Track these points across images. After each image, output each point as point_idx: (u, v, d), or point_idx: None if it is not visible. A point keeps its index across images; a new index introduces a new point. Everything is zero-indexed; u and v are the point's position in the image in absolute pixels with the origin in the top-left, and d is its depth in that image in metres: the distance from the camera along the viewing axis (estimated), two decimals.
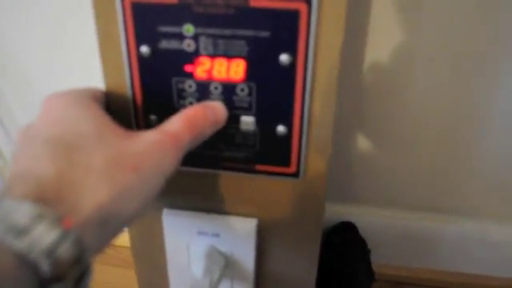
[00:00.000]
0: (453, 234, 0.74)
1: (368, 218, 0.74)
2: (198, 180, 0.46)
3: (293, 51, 0.37)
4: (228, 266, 0.50)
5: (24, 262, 0.24)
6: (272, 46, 0.37)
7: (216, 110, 0.39)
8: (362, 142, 0.68)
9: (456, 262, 0.77)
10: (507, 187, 0.69)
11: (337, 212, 0.74)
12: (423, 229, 0.74)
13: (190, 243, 0.50)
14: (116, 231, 0.32)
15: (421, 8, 0.54)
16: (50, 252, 0.24)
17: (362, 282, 0.69)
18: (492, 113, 0.61)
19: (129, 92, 0.41)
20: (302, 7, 0.35)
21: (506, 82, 0.58)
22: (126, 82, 0.41)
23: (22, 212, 0.25)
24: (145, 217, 0.50)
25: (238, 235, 0.48)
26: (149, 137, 0.33)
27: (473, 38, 0.55)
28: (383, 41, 0.57)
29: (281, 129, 0.41)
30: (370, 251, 0.73)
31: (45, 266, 0.24)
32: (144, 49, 0.39)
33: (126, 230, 0.51)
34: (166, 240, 0.50)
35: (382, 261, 0.77)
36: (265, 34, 0.37)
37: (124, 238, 0.52)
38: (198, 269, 0.48)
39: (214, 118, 0.38)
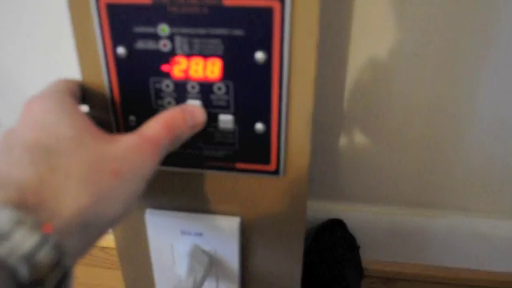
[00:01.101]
0: (441, 229, 0.74)
1: (356, 215, 0.74)
2: (179, 180, 0.46)
3: (268, 49, 0.37)
4: (212, 264, 0.50)
5: (2, 267, 0.24)
6: (247, 44, 0.37)
7: (195, 113, 0.39)
8: (349, 140, 0.68)
9: (445, 256, 0.77)
10: (493, 181, 0.69)
11: (325, 209, 0.75)
12: (411, 224, 0.74)
13: (174, 243, 0.50)
14: (98, 235, 0.32)
15: (405, 3, 0.54)
16: (30, 257, 0.24)
17: (351, 278, 0.69)
18: (476, 108, 0.62)
19: (107, 93, 0.41)
20: (276, 4, 0.35)
21: (490, 77, 0.59)
22: (104, 84, 0.41)
23: (2, 218, 0.25)
24: (128, 217, 0.50)
25: (221, 234, 0.48)
26: (128, 140, 0.33)
27: (458, 35, 0.56)
28: (367, 38, 0.58)
29: (259, 126, 0.41)
30: (359, 247, 0.73)
31: (23, 271, 0.24)
32: (120, 50, 0.39)
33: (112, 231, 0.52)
34: (149, 240, 0.50)
35: (371, 257, 0.78)
36: (239, 32, 0.37)
37: (113, 240, 0.52)
38: (182, 268, 0.49)
39: (192, 122, 0.38)
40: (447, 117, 0.63)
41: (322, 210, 0.75)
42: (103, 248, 0.84)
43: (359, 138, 0.67)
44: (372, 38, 0.58)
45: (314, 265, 0.70)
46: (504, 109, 0.62)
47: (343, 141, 0.68)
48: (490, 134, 0.64)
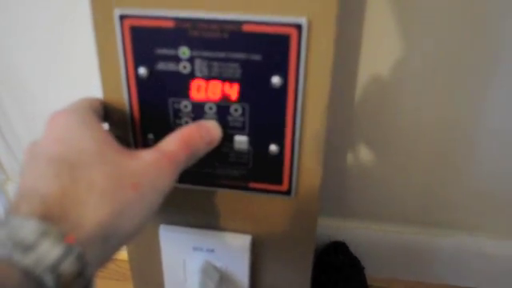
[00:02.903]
0: (447, 248, 0.74)
1: (363, 233, 0.75)
2: (193, 197, 0.47)
3: (284, 74, 0.38)
4: (223, 281, 0.51)
5: (30, 277, 0.25)
6: (264, 68, 0.39)
7: (210, 130, 0.40)
8: (356, 157, 0.68)
9: (451, 275, 0.77)
10: (500, 201, 0.69)
11: (330, 227, 0.75)
12: (418, 243, 0.74)
13: (186, 258, 0.51)
14: (117, 247, 0.33)
15: (414, 24, 0.55)
16: (55, 267, 0.25)
17: None
18: (485, 127, 0.62)
19: (127, 112, 0.42)
20: (293, 32, 0.37)
21: (500, 96, 0.59)
22: (125, 102, 0.42)
23: (28, 229, 0.26)
24: (142, 232, 0.51)
25: (232, 251, 0.49)
26: (147, 156, 0.35)
27: (466, 52, 0.56)
28: (375, 56, 0.58)
29: (273, 148, 0.42)
30: (363, 268, 0.73)
31: (49, 281, 0.25)
32: (142, 70, 0.40)
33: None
34: (162, 255, 0.51)
35: (377, 275, 0.78)
36: (257, 57, 0.38)
37: (124, 252, 0.53)
38: (193, 284, 0.49)
39: (208, 138, 0.40)
40: (455, 135, 0.63)
41: (328, 227, 0.75)
42: (113, 260, 0.84)
43: (366, 156, 0.68)
44: (380, 56, 0.58)
45: (319, 286, 0.70)
46: None
47: (350, 159, 0.69)
48: (498, 153, 0.64)
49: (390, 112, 0.63)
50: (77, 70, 0.67)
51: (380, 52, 0.58)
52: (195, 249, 0.50)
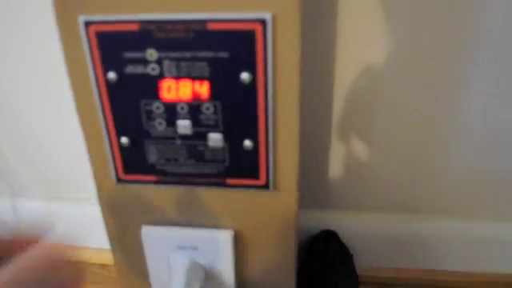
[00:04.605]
0: (434, 233, 0.75)
1: (350, 223, 0.75)
2: (173, 197, 0.48)
3: (252, 69, 0.39)
4: (208, 278, 0.51)
5: None
6: (232, 65, 0.39)
7: None
8: (340, 149, 0.69)
9: (442, 260, 0.78)
10: (487, 186, 0.70)
11: (318, 218, 0.75)
12: (404, 230, 0.75)
13: (170, 257, 0.51)
14: None
15: (389, 22, 0.56)
16: None
17: (346, 287, 0.70)
18: (464, 114, 0.63)
19: (100, 117, 0.43)
20: (257, 27, 0.37)
21: (477, 84, 0.60)
22: (97, 107, 0.42)
23: None
24: (125, 234, 0.51)
25: (215, 247, 0.49)
26: None
27: (445, 45, 0.57)
28: (356, 48, 0.59)
29: (247, 143, 0.42)
30: (352, 256, 0.74)
31: None
32: (111, 75, 0.40)
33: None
34: (146, 256, 0.51)
35: (366, 264, 0.78)
36: (224, 54, 0.38)
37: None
38: (179, 283, 0.50)
39: None
40: (436, 124, 0.64)
41: (315, 219, 0.76)
42: (104, 265, 0.84)
43: (350, 147, 0.68)
44: (360, 48, 0.59)
45: (309, 275, 0.70)
46: (491, 114, 0.63)
47: (334, 150, 0.69)
48: (478, 141, 0.65)
49: (371, 104, 0.64)
50: (65, 94, 0.66)
51: (360, 46, 0.59)
52: (178, 247, 0.50)
